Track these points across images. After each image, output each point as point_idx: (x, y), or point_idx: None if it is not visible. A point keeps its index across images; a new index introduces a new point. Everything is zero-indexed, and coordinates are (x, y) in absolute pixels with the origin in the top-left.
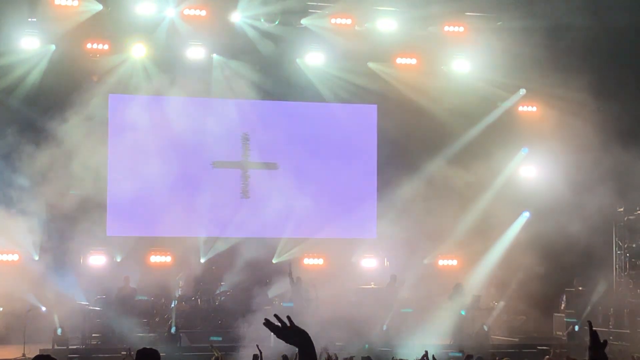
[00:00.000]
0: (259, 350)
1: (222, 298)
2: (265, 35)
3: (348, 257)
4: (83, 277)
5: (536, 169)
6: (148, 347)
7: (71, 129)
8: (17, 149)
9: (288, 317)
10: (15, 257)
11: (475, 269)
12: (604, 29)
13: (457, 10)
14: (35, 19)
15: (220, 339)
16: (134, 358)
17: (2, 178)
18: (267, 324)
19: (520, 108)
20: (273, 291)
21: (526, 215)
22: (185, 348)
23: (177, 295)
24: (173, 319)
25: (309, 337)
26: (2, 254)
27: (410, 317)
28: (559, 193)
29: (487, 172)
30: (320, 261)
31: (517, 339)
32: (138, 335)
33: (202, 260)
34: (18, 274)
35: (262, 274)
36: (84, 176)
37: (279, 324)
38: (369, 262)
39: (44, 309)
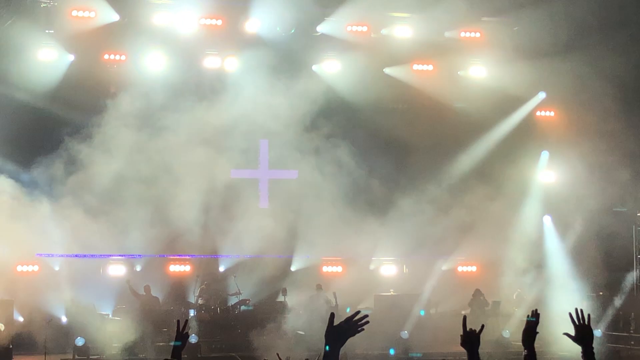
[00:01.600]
0: (279, 359)
1: (242, 307)
2: (281, 43)
3: (367, 264)
4: (103, 287)
5: (555, 174)
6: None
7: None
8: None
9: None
10: (35, 268)
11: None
12: (623, 32)
13: (473, 16)
14: (52, 31)
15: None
16: None
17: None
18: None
19: (538, 113)
20: (291, 299)
21: (547, 219)
22: (205, 357)
23: (195, 295)
24: (192, 328)
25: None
26: (22, 265)
27: (430, 324)
28: (579, 197)
29: (506, 177)
30: (339, 269)
31: (537, 345)
32: (158, 345)
33: (222, 269)
34: (38, 285)
35: (281, 281)
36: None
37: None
38: (388, 269)
39: (64, 319)
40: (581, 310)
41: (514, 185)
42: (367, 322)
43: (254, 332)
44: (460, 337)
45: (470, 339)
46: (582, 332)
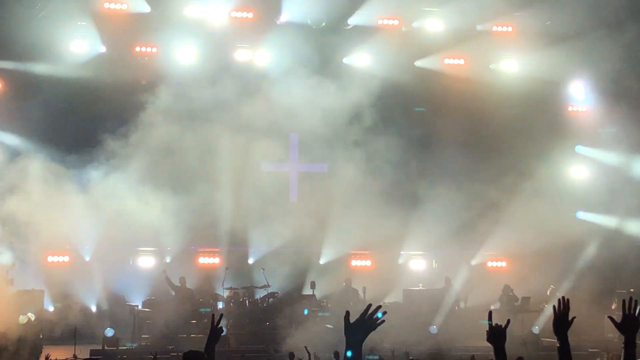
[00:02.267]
0: (308, 352)
1: (270, 300)
2: (312, 36)
3: (396, 258)
4: (133, 278)
5: (587, 169)
6: (194, 349)
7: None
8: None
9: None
10: (66, 259)
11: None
12: None
13: (506, 9)
14: (84, 23)
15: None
16: None
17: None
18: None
19: (570, 108)
20: (320, 292)
21: (580, 214)
22: (233, 349)
23: (224, 287)
24: (222, 320)
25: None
26: (53, 255)
27: (459, 319)
28: (611, 193)
29: (538, 173)
30: (368, 262)
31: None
32: (189, 337)
33: (251, 262)
34: (69, 275)
35: (309, 274)
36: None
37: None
38: (417, 264)
39: (94, 309)
40: (635, 301)
41: (546, 181)
42: (384, 315)
43: (282, 325)
44: (486, 333)
45: (496, 334)
46: (628, 321)
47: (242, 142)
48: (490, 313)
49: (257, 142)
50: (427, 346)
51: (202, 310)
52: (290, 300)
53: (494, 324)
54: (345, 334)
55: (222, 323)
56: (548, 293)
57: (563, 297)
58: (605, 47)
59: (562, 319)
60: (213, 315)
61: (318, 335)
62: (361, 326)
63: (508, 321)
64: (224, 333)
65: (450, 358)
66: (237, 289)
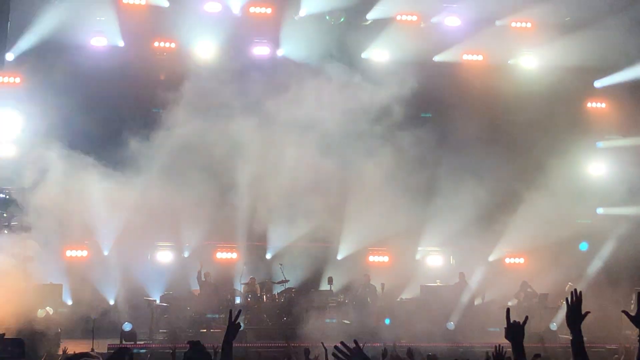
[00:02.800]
0: (324, 348)
1: (287, 295)
2: (330, 32)
3: (413, 254)
4: (151, 273)
5: (605, 166)
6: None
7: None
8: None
9: (355, 342)
10: (84, 253)
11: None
12: None
13: (524, 5)
14: (103, 18)
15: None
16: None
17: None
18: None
19: (589, 104)
20: (337, 287)
21: (600, 210)
22: (251, 345)
23: (242, 282)
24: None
25: None
26: (71, 250)
27: (477, 315)
28: (630, 189)
29: (557, 169)
30: (385, 258)
31: (585, 338)
32: (203, 331)
33: (269, 257)
34: (87, 270)
35: (327, 270)
36: None
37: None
38: (434, 260)
39: (112, 304)
40: None
41: (565, 176)
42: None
43: (299, 321)
44: (504, 330)
45: (514, 331)
46: None
47: (261, 137)
48: (508, 310)
49: (276, 136)
50: (445, 342)
51: (208, 316)
52: (307, 296)
53: (512, 321)
54: None
55: (239, 318)
56: (566, 289)
57: (575, 290)
58: (624, 41)
59: (575, 312)
60: (231, 310)
61: (335, 331)
62: None
63: (526, 318)
64: (241, 328)
65: (467, 354)
66: (255, 282)
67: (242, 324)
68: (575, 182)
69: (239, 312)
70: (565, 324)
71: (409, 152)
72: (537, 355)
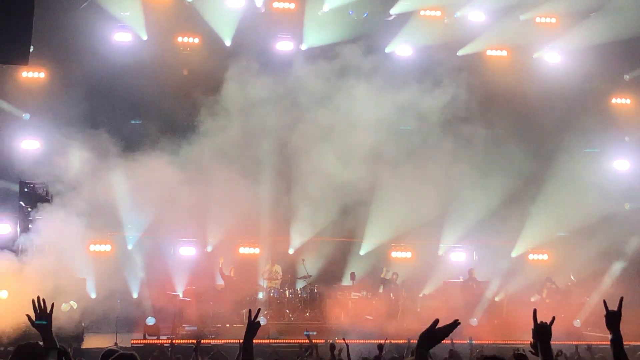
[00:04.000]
0: (346, 344)
1: (310, 290)
2: (354, 27)
3: (436, 250)
4: (174, 267)
5: (630, 162)
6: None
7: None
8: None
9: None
10: (107, 248)
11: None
12: None
13: (549, 1)
14: (127, 13)
15: (314, 333)
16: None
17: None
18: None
19: (614, 100)
20: (358, 283)
21: (627, 207)
22: (273, 339)
23: (264, 278)
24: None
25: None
26: (96, 244)
27: (500, 312)
28: None
29: (580, 165)
30: (408, 254)
31: (610, 335)
32: (231, 327)
33: (291, 252)
34: (111, 264)
35: (349, 265)
36: None
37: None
38: (457, 256)
39: (136, 298)
40: None
41: (588, 173)
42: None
43: (321, 316)
44: (532, 331)
45: (542, 332)
46: None
47: (286, 130)
48: (534, 311)
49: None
50: (467, 339)
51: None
52: (329, 291)
53: (539, 322)
54: (420, 338)
55: (262, 312)
56: (570, 281)
57: (622, 298)
58: None
59: (613, 313)
60: (250, 310)
61: (357, 326)
62: (437, 335)
63: (553, 318)
64: (264, 323)
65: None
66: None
67: (265, 319)
68: (602, 177)
69: (259, 310)
70: (589, 320)
71: (436, 146)
72: (560, 352)
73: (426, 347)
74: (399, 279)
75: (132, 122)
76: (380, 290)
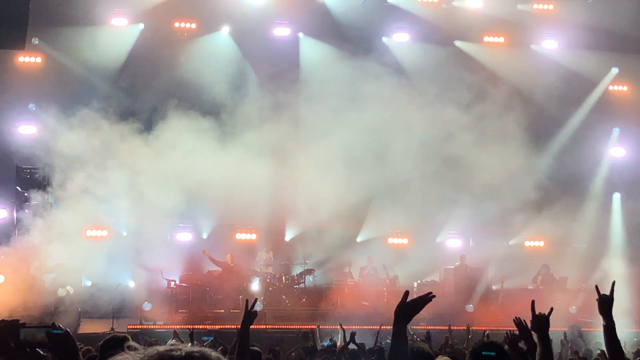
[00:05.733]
0: (342, 329)
1: (306, 276)
2: (352, 13)
3: (433, 237)
4: (170, 253)
5: (626, 150)
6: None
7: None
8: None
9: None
10: (104, 233)
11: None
12: None
13: None
14: None
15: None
16: None
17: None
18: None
19: (611, 87)
20: (356, 269)
21: (617, 196)
22: (269, 326)
23: (260, 264)
24: (258, 297)
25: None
26: (91, 230)
27: (496, 299)
28: None
29: (575, 153)
30: (404, 241)
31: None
32: (221, 312)
33: (287, 239)
34: (107, 250)
35: (346, 252)
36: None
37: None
38: (454, 242)
39: (132, 284)
40: None
41: (583, 161)
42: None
43: (318, 302)
44: (530, 322)
45: (541, 322)
46: None
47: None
48: (533, 302)
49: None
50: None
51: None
52: (326, 277)
53: (537, 313)
54: (395, 312)
55: (259, 299)
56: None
57: (613, 282)
58: None
59: (606, 299)
60: (247, 300)
61: (352, 313)
62: (411, 307)
63: (551, 309)
64: (260, 309)
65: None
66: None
67: (261, 305)
68: (596, 166)
69: (255, 300)
70: (584, 307)
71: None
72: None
73: (402, 321)
74: (376, 262)
75: (129, 106)
76: (359, 278)
